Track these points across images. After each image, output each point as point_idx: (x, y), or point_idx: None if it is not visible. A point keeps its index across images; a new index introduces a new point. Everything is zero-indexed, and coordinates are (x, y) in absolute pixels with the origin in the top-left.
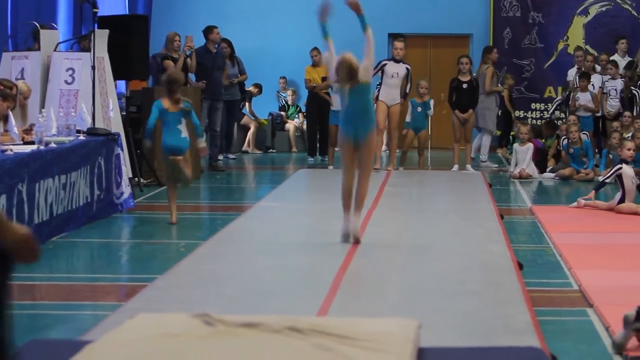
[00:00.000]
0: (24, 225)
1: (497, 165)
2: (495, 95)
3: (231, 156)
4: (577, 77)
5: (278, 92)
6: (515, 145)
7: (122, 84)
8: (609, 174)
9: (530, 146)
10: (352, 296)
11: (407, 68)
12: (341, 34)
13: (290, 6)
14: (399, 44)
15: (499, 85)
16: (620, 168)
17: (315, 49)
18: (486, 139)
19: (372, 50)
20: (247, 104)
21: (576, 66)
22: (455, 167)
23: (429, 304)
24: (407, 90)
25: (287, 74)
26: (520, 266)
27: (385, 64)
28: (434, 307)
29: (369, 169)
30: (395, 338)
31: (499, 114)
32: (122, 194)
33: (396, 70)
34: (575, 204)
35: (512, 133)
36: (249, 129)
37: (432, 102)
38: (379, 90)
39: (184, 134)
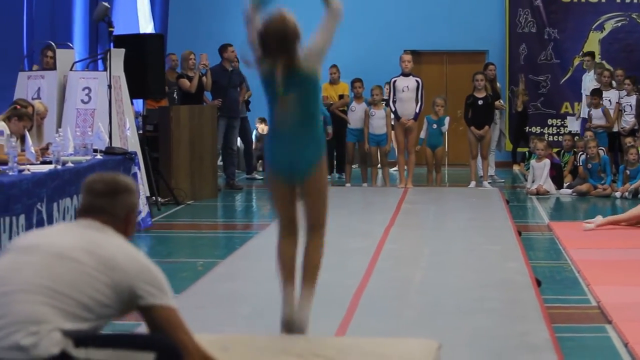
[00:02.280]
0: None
1: (503, 180)
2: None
3: (258, 176)
4: (591, 94)
5: None
6: (532, 161)
7: (139, 102)
8: None
9: (547, 162)
10: (370, 315)
11: (417, 81)
12: None
13: (306, 24)
14: (406, 57)
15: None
16: None
17: (334, 66)
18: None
19: (333, 29)
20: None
21: (594, 81)
22: (472, 183)
23: (447, 321)
24: (418, 111)
25: None
26: (539, 283)
27: (395, 80)
28: (452, 325)
29: (320, 223)
30: None
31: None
32: (139, 213)
33: (406, 84)
34: (591, 225)
35: (525, 149)
36: None
37: (447, 119)
38: (396, 109)
39: None
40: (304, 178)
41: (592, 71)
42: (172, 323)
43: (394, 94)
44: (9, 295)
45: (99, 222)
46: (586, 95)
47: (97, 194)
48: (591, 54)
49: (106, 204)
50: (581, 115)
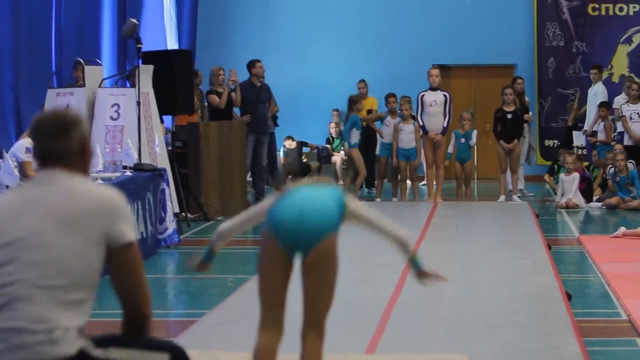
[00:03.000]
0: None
1: (532, 194)
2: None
3: None
4: (598, 106)
5: (337, 123)
6: (561, 175)
7: (168, 119)
8: None
9: (576, 175)
10: (400, 330)
11: (444, 95)
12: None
13: (334, 38)
14: (434, 72)
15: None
16: None
17: (362, 81)
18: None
19: (382, 224)
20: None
21: (623, 94)
22: (502, 197)
23: (477, 336)
24: (445, 125)
25: (332, 106)
26: (569, 296)
27: (423, 95)
28: (482, 339)
29: (323, 318)
30: None
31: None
32: (165, 229)
33: (434, 98)
34: (618, 232)
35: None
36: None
37: (474, 133)
38: (424, 123)
39: None
40: (312, 251)
41: (599, 83)
42: (136, 260)
43: (422, 109)
44: (11, 304)
45: (58, 171)
46: (598, 107)
47: (48, 137)
48: (598, 67)
49: (61, 145)
50: (586, 129)
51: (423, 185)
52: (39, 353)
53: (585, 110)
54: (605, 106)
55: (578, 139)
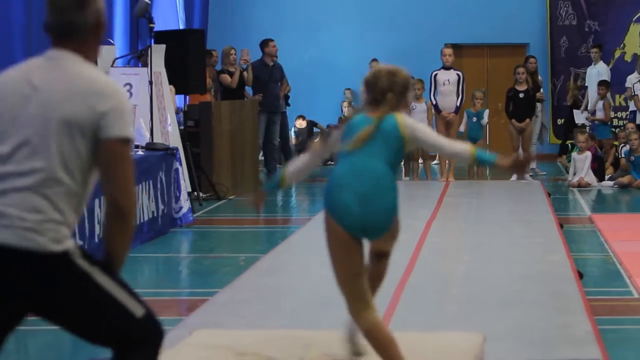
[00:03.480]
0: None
1: (544, 173)
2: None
3: None
4: (597, 84)
5: (349, 101)
6: (574, 154)
7: (180, 98)
8: None
9: (588, 154)
10: (412, 308)
11: (457, 74)
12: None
13: (347, 17)
14: (447, 51)
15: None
16: None
17: (375, 60)
18: None
19: (440, 140)
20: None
21: (636, 72)
22: (514, 177)
23: (489, 314)
24: (459, 104)
25: (344, 85)
26: (581, 275)
27: (436, 74)
28: (494, 317)
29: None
30: (461, 355)
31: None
32: (180, 208)
33: (447, 77)
34: None
35: (568, 142)
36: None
37: (486, 112)
38: (437, 102)
39: None
40: (378, 236)
41: (600, 62)
42: (125, 155)
43: (435, 88)
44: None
45: (68, 52)
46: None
47: (65, 9)
48: (599, 46)
49: (78, 18)
50: (588, 108)
51: (435, 164)
52: (24, 238)
53: (584, 88)
54: (605, 85)
55: (579, 117)
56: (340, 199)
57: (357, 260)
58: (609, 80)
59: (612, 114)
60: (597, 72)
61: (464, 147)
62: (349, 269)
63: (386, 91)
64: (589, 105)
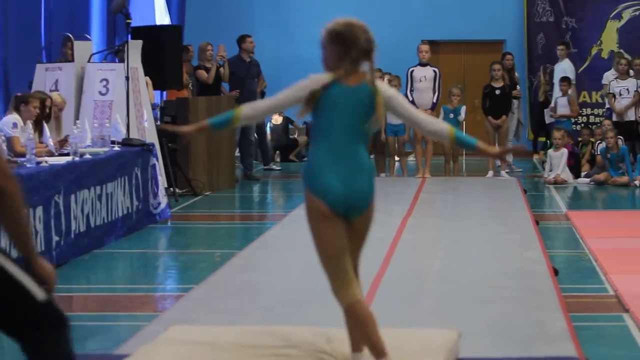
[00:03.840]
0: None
1: (520, 170)
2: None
3: (276, 167)
4: (559, 81)
5: None
6: (550, 151)
7: (157, 94)
8: None
9: (564, 151)
10: (388, 305)
11: (434, 71)
12: None
13: (324, 13)
14: (423, 47)
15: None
16: None
17: None
18: None
19: (418, 114)
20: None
21: (613, 70)
22: (490, 173)
23: (465, 311)
24: (435, 101)
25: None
26: (556, 272)
27: (412, 70)
28: (470, 314)
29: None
30: (436, 351)
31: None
32: (159, 204)
33: (423, 74)
34: None
35: (540, 138)
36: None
37: (463, 109)
38: (413, 99)
39: None
40: (359, 215)
41: (566, 60)
42: None
43: (411, 84)
44: None
45: None
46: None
47: None
48: (565, 44)
49: None
50: (551, 105)
51: (412, 160)
52: None
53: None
54: (567, 81)
55: (548, 118)
56: (324, 179)
57: (341, 236)
58: (572, 77)
59: (590, 111)
60: (563, 69)
61: (443, 126)
62: (333, 245)
63: (369, 52)
64: (552, 102)
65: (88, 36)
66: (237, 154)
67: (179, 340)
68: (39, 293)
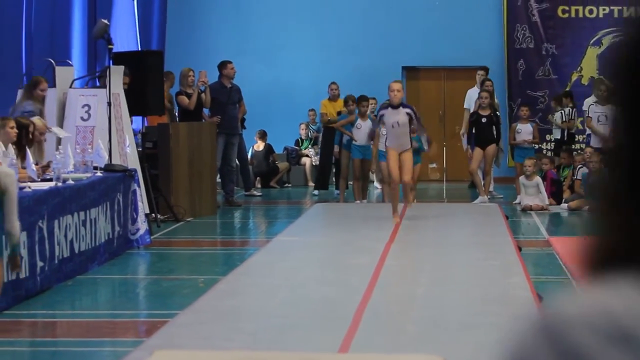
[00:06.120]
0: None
1: (501, 196)
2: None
3: (257, 193)
4: (517, 106)
5: (307, 124)
6: (521, 178)
7: (138, 120)
8: None
9: (538, 179)
10: (373, 330)
11: (407, 113)
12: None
13: (305, 41)
14: (396, 85)
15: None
16: None
17: (334, 83)
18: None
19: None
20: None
21: (593, 95)
22: (484, 198)
23: (449, 337)
24: (427, 141)
25: (303, 107)
26: (540, 298)
27: (382, 115)
28: (454, 340)
29: None
30: None
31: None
32: (137, 230)
33: (395, 119)
34: None
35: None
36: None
37: (424, 139)
38: (386, 138)
39: None
40: None
41: (477, 85)
42: None
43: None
44: None
45: None
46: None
47: None
48: (485, 68)
49: None
50: (462, 132)
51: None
52: None
53: None
54: (526, 106)
55: (464, 141)
56: None
57: None
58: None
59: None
60: (470, 96)
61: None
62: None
63: None
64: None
65: (69, 62)
66: (218, 179)
67: None
68: None
